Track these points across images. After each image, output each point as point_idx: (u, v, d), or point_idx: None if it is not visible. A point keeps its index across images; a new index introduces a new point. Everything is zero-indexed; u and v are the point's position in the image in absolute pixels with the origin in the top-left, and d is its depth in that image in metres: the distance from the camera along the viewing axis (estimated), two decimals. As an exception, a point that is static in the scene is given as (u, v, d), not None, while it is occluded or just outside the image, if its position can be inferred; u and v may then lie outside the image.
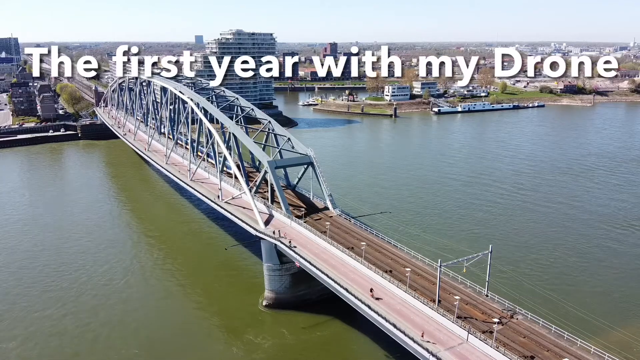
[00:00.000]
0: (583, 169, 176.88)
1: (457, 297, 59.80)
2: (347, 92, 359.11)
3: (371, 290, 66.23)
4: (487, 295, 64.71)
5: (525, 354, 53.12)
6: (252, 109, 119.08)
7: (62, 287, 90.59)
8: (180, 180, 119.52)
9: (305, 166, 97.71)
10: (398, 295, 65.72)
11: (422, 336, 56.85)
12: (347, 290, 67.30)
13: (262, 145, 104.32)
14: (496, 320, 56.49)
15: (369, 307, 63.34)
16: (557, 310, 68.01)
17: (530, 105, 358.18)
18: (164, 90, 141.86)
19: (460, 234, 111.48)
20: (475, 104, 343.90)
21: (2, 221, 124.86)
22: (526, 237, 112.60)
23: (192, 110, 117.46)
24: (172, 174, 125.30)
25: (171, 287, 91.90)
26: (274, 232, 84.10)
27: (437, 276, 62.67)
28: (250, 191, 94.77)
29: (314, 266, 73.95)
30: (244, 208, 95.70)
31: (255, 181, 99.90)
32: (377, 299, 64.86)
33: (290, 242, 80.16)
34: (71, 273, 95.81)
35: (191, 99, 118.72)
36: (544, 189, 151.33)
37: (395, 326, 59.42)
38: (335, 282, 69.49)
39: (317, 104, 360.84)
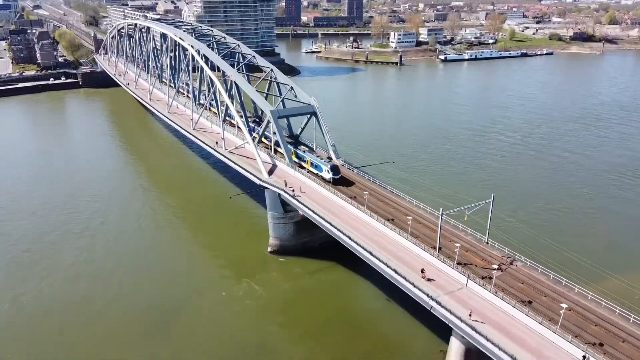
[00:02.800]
0: (594, 118, 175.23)
1: (457, 245, 60.79)
2: (351, 38, 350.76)
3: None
4: (487, 243, 65.70)
5: (523, 299, 54.54)
6: (254, 56, 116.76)
7: (76, 231, 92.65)
8: (183, 129, 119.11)
9: (309, 116, 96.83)
10: (400, 242, 66.86)
11: (422, 272, 58.68)
12: (349, 237, 68.42)
13: (265, 94, 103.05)
14: (495, 266, 57.59)
15: (371, 254, 64.61)
16: (557, 257, 69.11)
17: (539, 52, 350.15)
18: (163, 37, 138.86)
19: (464, 183, 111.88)
20: (482, 52, 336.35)
21: (14, 169, 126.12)
22: (531, 186, 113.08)
23: (193, 57, 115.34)
24: (175, 123, 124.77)
25: (180, 233, 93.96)
26: (277, 182, 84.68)
27: (438, 224, 63.51)
28: (254, 141, 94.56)
29: (317, 214, 74.86)
30: (248, 158, 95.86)
31: (259, 131, 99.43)
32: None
33: (294, 191, 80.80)
34: (85, 218, 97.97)
35: (192, 46, 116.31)
36: (554, 138, 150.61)
37: (396, 272, 60.77)
38: (338, 229, 70.56)
39: (320, 51, 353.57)
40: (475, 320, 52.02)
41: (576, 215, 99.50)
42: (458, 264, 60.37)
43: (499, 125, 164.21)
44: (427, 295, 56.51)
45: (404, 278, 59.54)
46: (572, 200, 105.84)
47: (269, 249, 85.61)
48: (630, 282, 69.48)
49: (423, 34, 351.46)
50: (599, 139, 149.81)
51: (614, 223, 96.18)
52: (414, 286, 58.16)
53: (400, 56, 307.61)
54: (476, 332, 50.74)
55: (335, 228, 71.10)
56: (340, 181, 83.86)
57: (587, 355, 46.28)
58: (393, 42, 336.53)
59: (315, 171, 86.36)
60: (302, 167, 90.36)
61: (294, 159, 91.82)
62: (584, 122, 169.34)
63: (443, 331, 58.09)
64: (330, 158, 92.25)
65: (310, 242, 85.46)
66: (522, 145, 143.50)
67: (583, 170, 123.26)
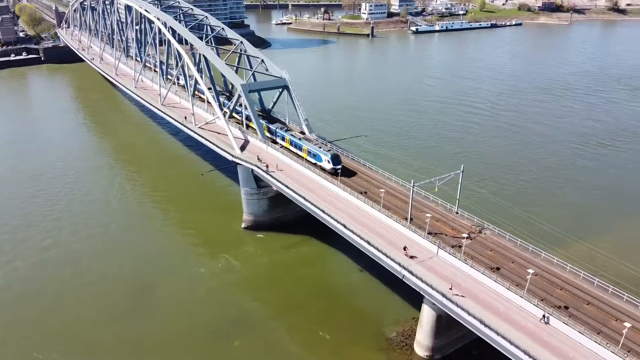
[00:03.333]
0: (562, 88, 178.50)
1: (428, 215, 61.98)
2: (322, 10, 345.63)
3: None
4: (457, 213, 67.18)
5: (492, 265, 56.29)
6: (223, 28, 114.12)
7: (41, 214, 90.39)
8: (151, 105, 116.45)
9: (280, 90, 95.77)
10: (372, 214, 67.73)
11: (405, 250, 59.39)
12: (323, 211, 68.92)
13: (235, 68, 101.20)
14: (465, 235, 59.12)
15: (345, 227, 65.33)
16: (525, 226, 71.28)
17: (508, 23, 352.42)
18: (128, 9, 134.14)
19: (435, 155, 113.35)
20: (453, 23, 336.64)
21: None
22: (501, 157, 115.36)
23: (160, 30, 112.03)
24: (142, 98, 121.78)
25: (152, 212, 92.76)
26: (250, 158, 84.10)
27: (410, 196, 64.49)
28: (225, 116, 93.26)
29: (291, 189, 74.97)
30: (219, 133, 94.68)
31: (229, 106, 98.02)
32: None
33: (267, 166, 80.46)
34: (50, 199, 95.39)
35: (158, 19, 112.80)
36: (523, 109, 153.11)
37: (369, 243, 61.74)
38: (312, 204, 70.94)
39: (291, 23, 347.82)
40: (456, 294, 53.50)
41: (543, 184, 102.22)
42: (429, 233, 61.67)
43: (469, 97, 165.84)
44: (400, 264, 57.74)
45: (377, 249, 60.59)
46: (540, 170, 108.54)
47: (243, 225, 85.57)
48: (593, 247, 72.41)
49: (394, 5, 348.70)
50: (566, 110, 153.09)
51: (579, 192, 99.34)
52: (387, 257, 59.30)
53: (372, 28, 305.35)
54: (446, 298, 52.32)
55: (309, 202, 71.43)
56: (341, 172, 76.72)
57: (547, 315, 48.59)
58: (364, 14, 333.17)
59: (312, 160, 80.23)
60: (275, 142, 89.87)
61: (267, 133, 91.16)
62: (552, 92, 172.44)
63: (415, 299, 59.64)
64: (303, 132, 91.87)
65: (285, 217, 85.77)
66: (492, 117, 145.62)
67: (550, 141, 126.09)
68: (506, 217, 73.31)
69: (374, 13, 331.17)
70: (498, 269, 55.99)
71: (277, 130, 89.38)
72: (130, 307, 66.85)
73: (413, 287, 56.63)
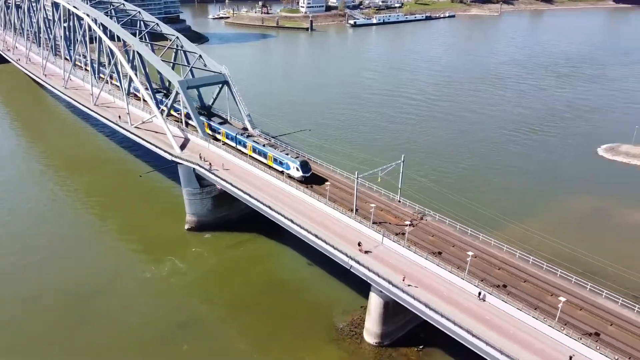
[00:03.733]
0: (495, 77, 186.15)
1: (372, 205, 63.05)
2: (260, 3, 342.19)
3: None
4: (399, 201, 68.79)
5: (434, 250, 58.17)
6: (157, 24, 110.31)
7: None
8: (83, 105, 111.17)
9: (220, 85, 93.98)
10: (319, 208, 68.11)
11: (359, 245, 59.24)
12: (269, 207, 68.54)
13: (171, 64, 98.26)
14: (407, 222, 60.71)
15: (292, 221, 65.31)
16: (463, 210, 73.90)
17: (442, 15, 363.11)
18: (55, 5, 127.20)
19: (377, 146, 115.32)
20: (389, 16, 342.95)
21: None
22: (439, 146, 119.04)
23: (90, 27, 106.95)
24: (73, 99, 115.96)
25: (88, 219, 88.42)
26: (191, 156, 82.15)
27: (354, 187, 65.34)
28: (162, 114, 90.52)
29: (236, 187, 73.97)
30: (157, 133, 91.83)
31: (167, 103, 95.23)
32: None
33: (210, 165, 78.91)
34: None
35: (87, 15, 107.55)
36: (459, 99, 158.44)
37: (317, 236, 62.07)
38: (258, 200, 70.34)
39: (228, 17, 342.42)
40: (410, 285, 54.71)
41: (480, 171, 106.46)
42: (374, 223, 62.78)
43: (407, 89, 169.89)
44: (347, 255, 58.46)
45: (325, 242, 61.04)
46: (476, 157, 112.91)
47: (186, 226, 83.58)
48: (527, 228, 76.32)
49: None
50: (499, 98, 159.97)
51: (513, 176, 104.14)
52: (334, 248, 59.87)
53: (311, 21, 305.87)
54: (392, 285, 53.55)
55: (255, 199, 70.81)
56: (311, 179, 73.50)
57: (483, 292, 50.97)
58: (303, 7, 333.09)
59: (279, 168, 75.78)
60: (217, 140, 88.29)
61: (208, 131, 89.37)
62: (485, 81, 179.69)
63: (363, 288, 60.62)
64: (245, 129, 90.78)
65: (230, 216, 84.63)
66: (430, 107, 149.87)
67: (485, 129, 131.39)
68: (446, 203, 75.76)
69: (312, 6, 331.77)
70: (440, 253, 57.92)
71: (237, 136, 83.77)
72: (72, 320, 63.64)
73: (360, 276, 57.55)
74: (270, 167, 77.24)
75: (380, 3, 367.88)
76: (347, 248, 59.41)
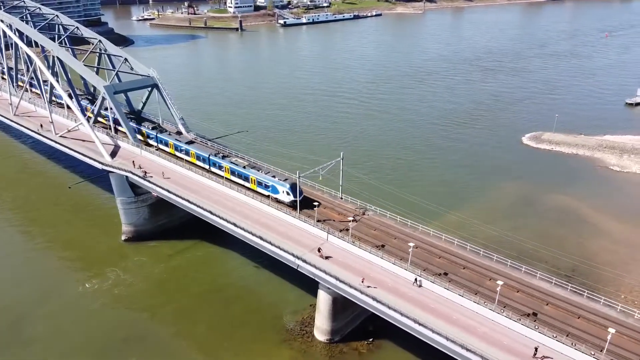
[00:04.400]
0: (425, 73, 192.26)
1: (315, 203, 63.26)
2: (186, 4, 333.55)
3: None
4: (341, 198, 69.49)
5: (377, 243, 59.31)
6: (77, 27, 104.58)
7: None
8: (1, 115, 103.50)
9: (149, 89, 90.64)
10: (262, 209, 67.42)
11: (319, 251, 58.24)
12: (211, 212, 66.99)
13: (95, 69, 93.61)
14: (350, 218, 61.46)
15: (235, 225, 64.20)
16: (403, 203, 75.88)
17: (369, 14, 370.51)
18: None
19: (317, 145, 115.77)
20: (319, 15, 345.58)
21: None
22: (377, 142, 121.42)
23: (4, 33, 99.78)
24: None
25: (16, 238, 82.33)
26: (123, 164, 78.64)
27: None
28: (89, 121, 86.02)
29: (173, 193, 71.64)
30: (84, 141, 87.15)
31: (93, 110, 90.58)
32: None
33: (145, 172, 75.89)
34: None
35: (1, 20, 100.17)
36: (393, 96, 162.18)
37: (262, 238, 61.42)
38: (198, 206, 68.52)
39: (153, 18, 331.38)
40: (368, 286, 55.15)
41: (416, 164, 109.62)
42: (318, 221, 63.04)
43: (343, 87, 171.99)
44: (293, 255, 58.30)
45: (270, 243, 60.55)
46: (412, 152, 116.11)
47: (123, 237, 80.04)
48: (463, 217, 79.62)
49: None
50: (430, 93, 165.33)
51: (447, 168, 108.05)
52: (281, 249, 59.54)
53: (240, 21, 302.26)
54: (339, 281, 54.03)
55: (195, 205, 68.95)
56: (303, 203, 65.89)
57: (419, 278, 52.96)
58: (231, 7, 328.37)
59: (265, 192, 68.47)
60: (150, 145, 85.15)
61: (140, 137, 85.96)
62: (415, 78, 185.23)
63: (311, 286, 60.71)
64: (179, 132, 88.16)
65: (170, 223, 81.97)
66: (365, 105, 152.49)
67: (419, 124, 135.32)
68: (386, 197, 77.34)
69: (241, 6, 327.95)
70: (383, 246, 59.13)
71: (210, 157, 75.26)
72: (5, 343, 59.18)
73: (308, 275, 57.60)
74: (253, 191, 70.07)
75: (309, 2, 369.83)
76: (294, 248, 59.26)
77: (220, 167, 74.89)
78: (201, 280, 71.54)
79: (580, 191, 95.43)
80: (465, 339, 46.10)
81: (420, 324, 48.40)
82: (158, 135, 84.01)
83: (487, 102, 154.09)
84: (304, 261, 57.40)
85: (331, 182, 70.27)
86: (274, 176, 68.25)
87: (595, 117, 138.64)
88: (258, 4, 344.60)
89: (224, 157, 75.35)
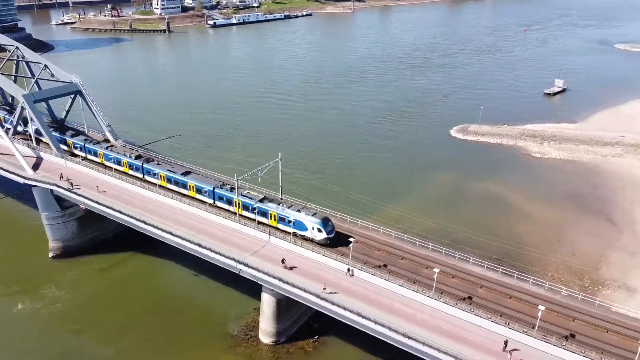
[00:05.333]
0: (358, 71, 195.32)
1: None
2: (109, 6, 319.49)
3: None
4: (282, 199, 69.33)
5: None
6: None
7: None
8: None
9: (73, 96, 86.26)
10: (200, 215, 66.00)
11: (283, 262, 56.05)
12: (145, 222, 64.73)
13: (13, 77, 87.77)
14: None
15: (172, 234, 62.43)
16: (341, 199, 77.03)
17: (300, 14, 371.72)
18: None
19: (255, 146, 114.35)
20: (249, 15, 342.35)
21: None
22: (315, 140, 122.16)
23: None
24: None
25: None
26: (47, 177, 74.25)
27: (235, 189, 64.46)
28: (7, 133, 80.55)
29: (103, 205, 68.55)
30: (3, 155, 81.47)
31: (11, 121, 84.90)
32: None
33: (72, 184, 72.00)
34: None
35: None
36: (329, 94, 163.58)
37: (200, 245, 60.12)
38: (130, 216, 65.97)
39: (74, 22, 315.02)
40: (331, 292, 55.08)
41: (353, 161, 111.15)
42: (259, 223, 62.57)
43: (278, 87, 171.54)
44: (234, 260, 57.55)
45: (209, 249, 59.41)
46: (350, 150, 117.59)
47: (50, 254, 75.56)
48: (399, 210, 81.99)
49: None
50: (364, 91, 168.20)
51: (382, 163, 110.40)
52: (221, 255, 58.58)
53: (168, 23, 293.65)
54: (282, 281, 53.97)
55: (127, 215, 66.35)
56: (335, 240, 59.54)
57: (351, 268, 54.43)
58: (157, 8, 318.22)
59: (289, 229, 60.99)
60: (75, 155, 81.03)
61: (65, 147, 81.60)
62: (349, 76, 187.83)
63: (255, 290, 60.07)
64: (107, 140, 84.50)
65: (102, 236, 78.27)
66: (303, 104, 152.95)
67: (355, 122, 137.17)
68: (325, 194, 78.21)
69: (167, 8, 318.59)
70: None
71: (216, 190, 66.95)
72: None
73: (251, 278, 57.08)
74: (274, 227, 62.54)
75: (238, 3, 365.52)
76: (235, 252, 58.48)
77: (229, 202, 65.85)
78: (139, 293, 68.98)
79: (506, 179, 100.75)
80: (407, 327, 47.46)
81: (363, 317, 49.30)
82: (109, 152, 78.26)
83: (417, 99, 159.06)
84: (246, 265, 56.81)
85: (271, 184, 69.93)
86: (299, 210, 61.57)
87: (517, 108, 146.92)
88: (186, 4, 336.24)
89: (231, 189, 65.92)
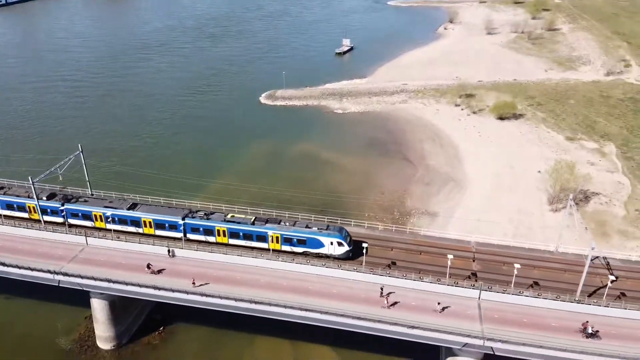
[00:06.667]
0: (156, 44, 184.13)
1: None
2: None
3: None
4: (92, 194, 63.36)
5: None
6: None
7: None
8: None
9: None
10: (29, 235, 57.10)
11: (149, 267, 52.10)
12: None
13: None
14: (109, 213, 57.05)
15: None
16: (164, 184, 73.73)
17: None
18: None
19: (51, 141, 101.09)
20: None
21: None
22: (120, 124, 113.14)
23: None
24: None
25: None
26: None
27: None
28: None
29: None
30: None
31: None
32: None
33: None
34: None
35: None
36: (128, 72, 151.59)
37: (4, 264, 52.23)
38: None
39: None
40: (201, 284, 51.35)
41: (167, 140, 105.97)
42: (70, 226, 56.88)
43: (69, 70, 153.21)
44: (49, 271, 51.69)
45: (17, 267, 52.34)
46: (160, 127, 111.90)
47: None
48: (222, 182, 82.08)
49: None
50: (166, 65, 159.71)
51: (198, 138, 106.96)
52: (31, 270, 51.98)
53: None
54: (112, 282, 50.55)
55: None
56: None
57: (170, 249, 54.37)
58: None
59: (298, 250, 53.76)
60: None
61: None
62: (147, 50, 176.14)
63: (81, 298, 54.79)
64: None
65: None
66: (100, 86, 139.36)
67: (161, 98, 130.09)
68: (145, 182, 73.87)
69: None
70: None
71: (186, 220, 55.35)
72: None
73: (75, 287, 51.95)
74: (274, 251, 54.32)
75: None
76: (49, 263, 52.34)
77: (207, 232, 55.27)
78: None
79: (316, 137, 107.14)
80: (253, 293, 48.82)
81: (206, 295, 49.15)
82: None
83: (223, 67, 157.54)
84: (65, 274, 51.37)
85: (77, 180, 63.24)
86: (307, 226, 54.84)
87: (315, 69, 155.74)
88: None
89: (208, 216, 56.15)
